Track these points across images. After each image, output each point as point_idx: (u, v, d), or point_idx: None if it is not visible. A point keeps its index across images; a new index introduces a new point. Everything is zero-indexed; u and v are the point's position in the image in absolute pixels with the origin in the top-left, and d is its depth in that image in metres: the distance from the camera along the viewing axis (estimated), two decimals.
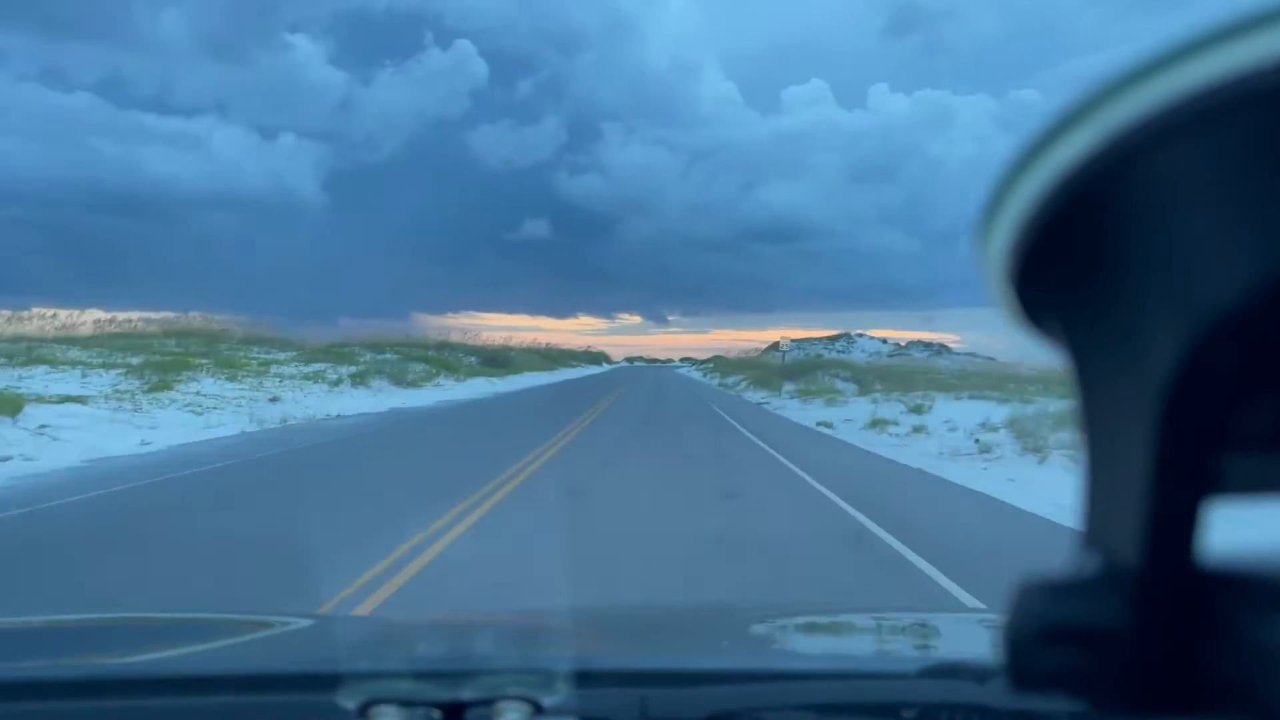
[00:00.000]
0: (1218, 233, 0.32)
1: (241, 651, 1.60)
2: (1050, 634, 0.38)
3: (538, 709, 1.09)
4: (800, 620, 2.01)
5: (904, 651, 1.71)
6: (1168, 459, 0.35)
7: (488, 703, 1.09)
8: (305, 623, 1.75)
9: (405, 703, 1.09)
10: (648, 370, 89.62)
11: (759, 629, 1.89)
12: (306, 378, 28.35)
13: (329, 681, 1.11)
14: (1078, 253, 0.37)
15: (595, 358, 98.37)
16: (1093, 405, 0.40)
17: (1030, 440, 13.96)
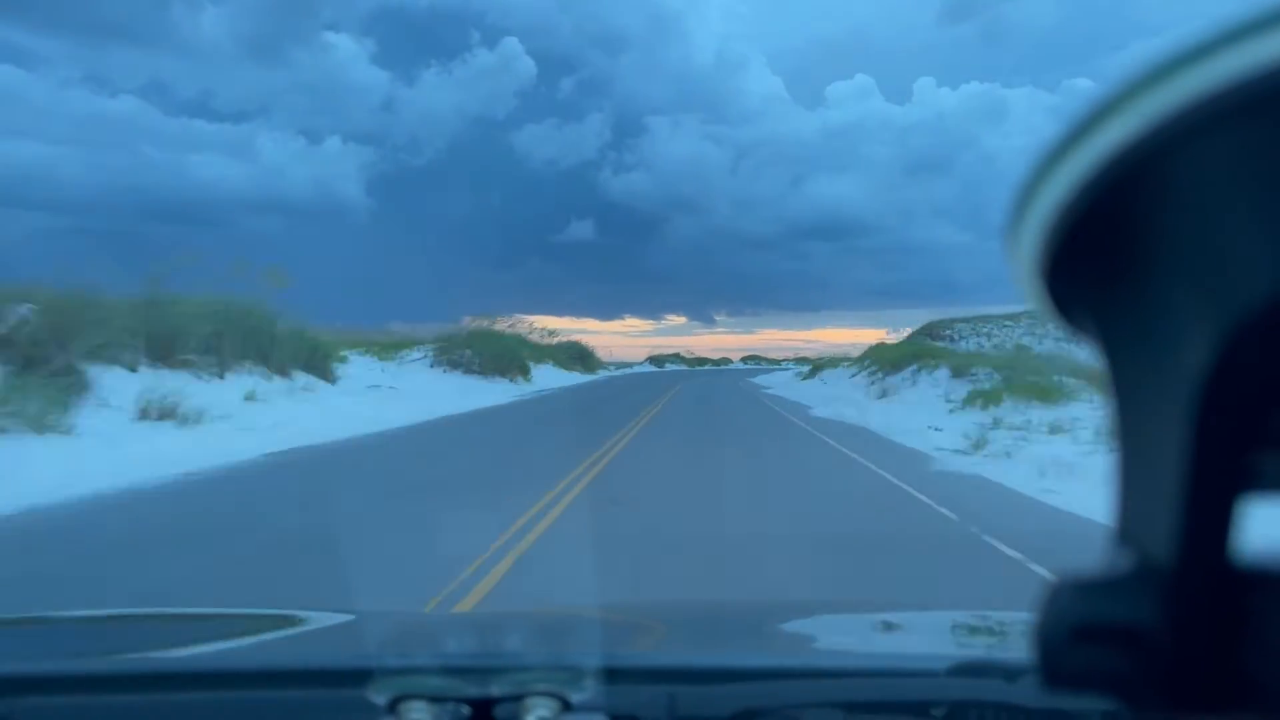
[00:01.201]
0: (1253, 227, 0.31)
1: (273, 647, 1.62)
2: (1082, 632, 0.37)
3: (566, 705, 1.10)
4: (828, 617, 2.00)
5: (933, 649, 1.70)
6: (1202, 456, 0.35)
7: (517, 698, 1.10)
8: (336, 618, 1.77)
9: (435, 698, 1.10)
10: (686, 380, 53.50)
11: (787, 626, 1.89)
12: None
13: (359, 677, 1.12)
14: (1110, 247, 0.37)
15: (579, 354, 59.25)
16: (1126, 401, 0.39)
17: None
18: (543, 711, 1.08)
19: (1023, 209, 0.37)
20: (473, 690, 1.11)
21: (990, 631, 1.77)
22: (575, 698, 1.10)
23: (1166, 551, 0.36)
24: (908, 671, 1.29)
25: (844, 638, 1.87)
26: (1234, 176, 0.31)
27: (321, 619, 1.77)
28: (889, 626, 1.92)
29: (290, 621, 1.81)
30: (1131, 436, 0.39)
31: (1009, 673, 1.10)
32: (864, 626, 1.92)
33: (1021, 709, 1.10)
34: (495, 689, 1.11)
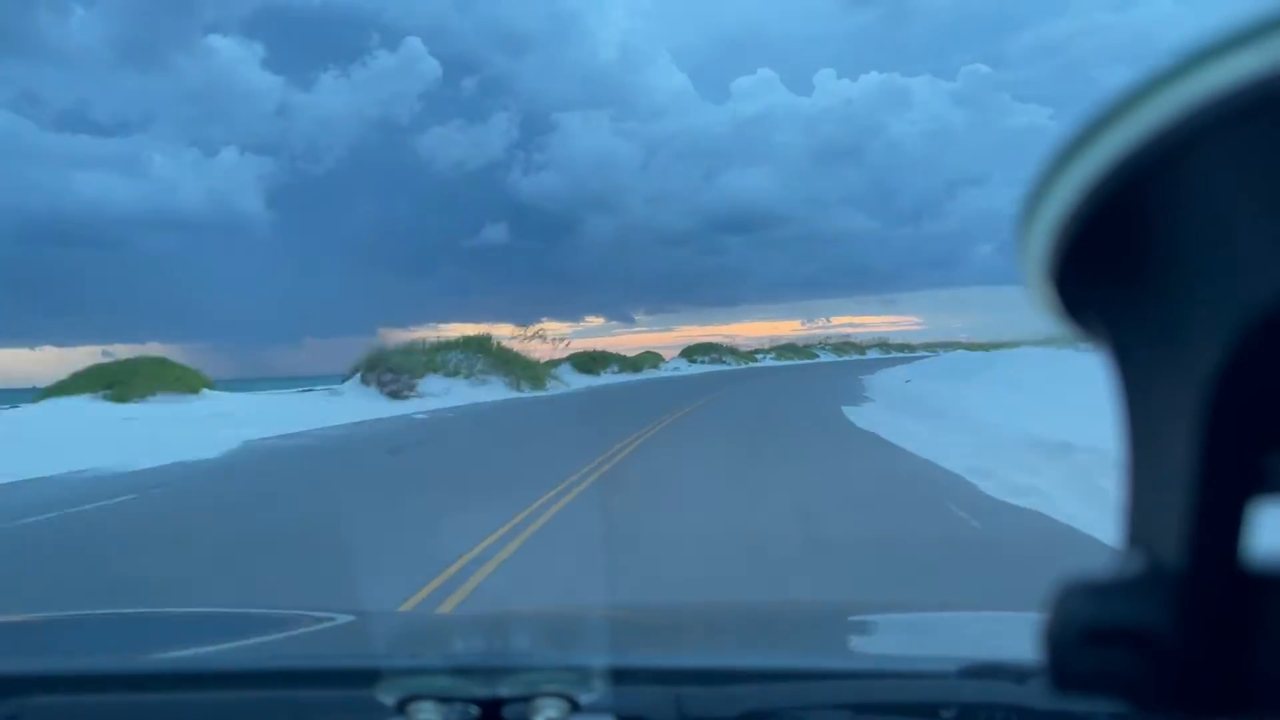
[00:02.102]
0: (1265, 228, 0.31)
1: (282, 646, 1.63)
2: (1092, 634, 0.37)
3: (574, 706, 1.10)
4: (837, 618, 2.00)
5: (942, 651, 1.69)
6: (1213, 457, 0.35)
7: (525, 699, 1.10)
8: (345, 618, 1.77)
9: (443, 698, 1.10)
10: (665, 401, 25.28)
11: (795, 627, 1.88)
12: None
13: (368, 677, 1.12)
14: (1121, 249, 0.37)
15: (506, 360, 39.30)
16: (1136, 402, 0.39)
17: None
18: (551, 712, 1.09)
19: (1032, 211, 0.37)
20: (481, 691, 1.11)
21: (1000, 633, 1.76)
22: (583, 698, 1.10)
23: (1177, 554, 0.36)
24: (917, 673, 1.28)
25: (853, 638, 1.87)
26: (1246, 177, 0.31)
27: (329, 619, 1.78)
28: (898, 627, 1.92)
29: (298, 621, 1.82)
30: (1141, 439, 0.39)
31: (1019, 675, 1.09)
32: (873, 627, 1.92)
33: (1031, 711, 1.09)
34: (504, 689, 1.11)
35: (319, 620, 1.78)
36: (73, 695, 1.26)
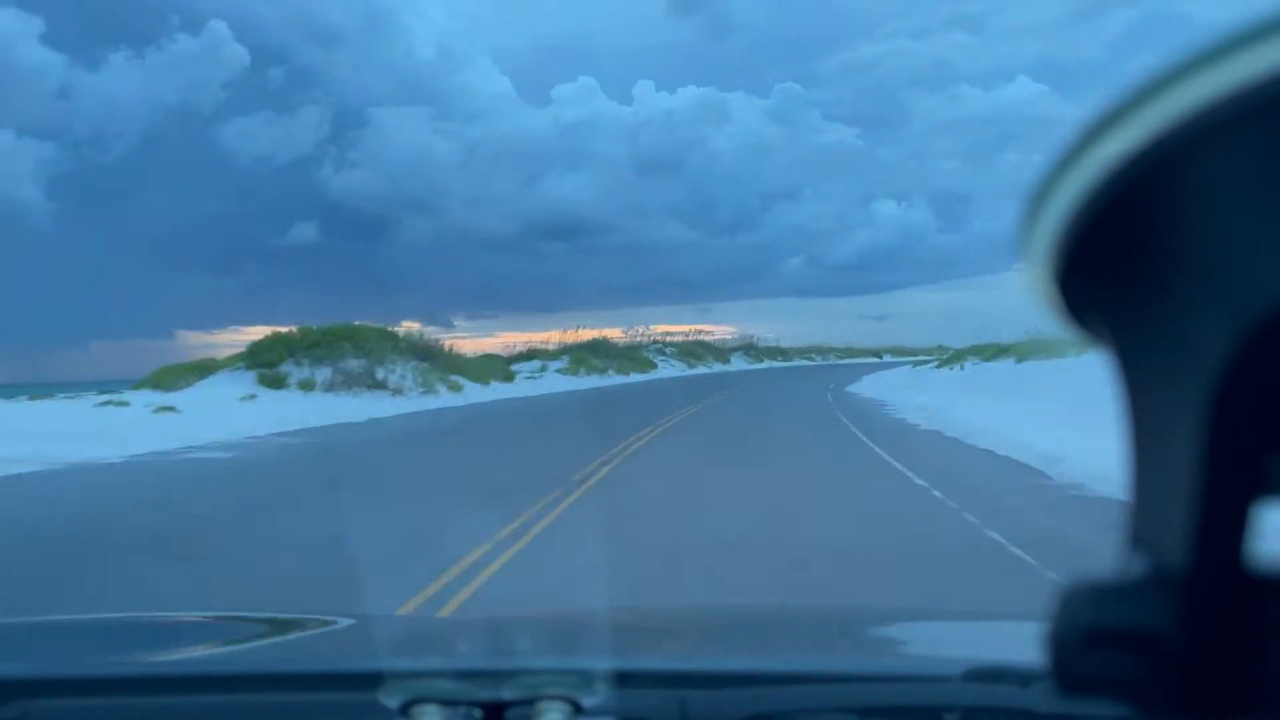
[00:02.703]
0: (1269, 230, 0.31)
1: (284, 650, 1.63)
2: (1096, 637, 0.37)
3: (578, 709, 1.10)
4: (841, 622, 1.99)
5: (947, 654, 1.69)
6: (1217, 459, 0.35)
7: (528, 702, 1.10)
8: (348, 622, 1.78)
9: (446, 701, 1.10)
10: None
11: (799, 630, 1.88)
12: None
13: (371, 680, 1.12)
14: (1124, 251, 0.37)
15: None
16: (1140, 404, 0.39)
17: None
18: (554, 715, 1.09)
19: (1036, 214, 0.37)
20: (485, 694, 1.11)
21: (1003, 636, 1.76)
22: (587, 702, 1.10)
23: (1180, 556, 0.36)
24: (921, 676, 1.28)
25: (857, 641, 1.87)
26: (1250, 179, 0.31)
27: (332, 622, 1.78)
28: (902, 631, 1.91)
29: (301, 624, 1.82)
30: (1145, 441, 0.39)
31: (1023, 678, 1.09)
32: (877, 631, 1.91)
33: (1036, 714, 1.09)
34: (507, 693, 1.11)
35: (322, 623, 1.78)
36: (76, 699, 1.26)
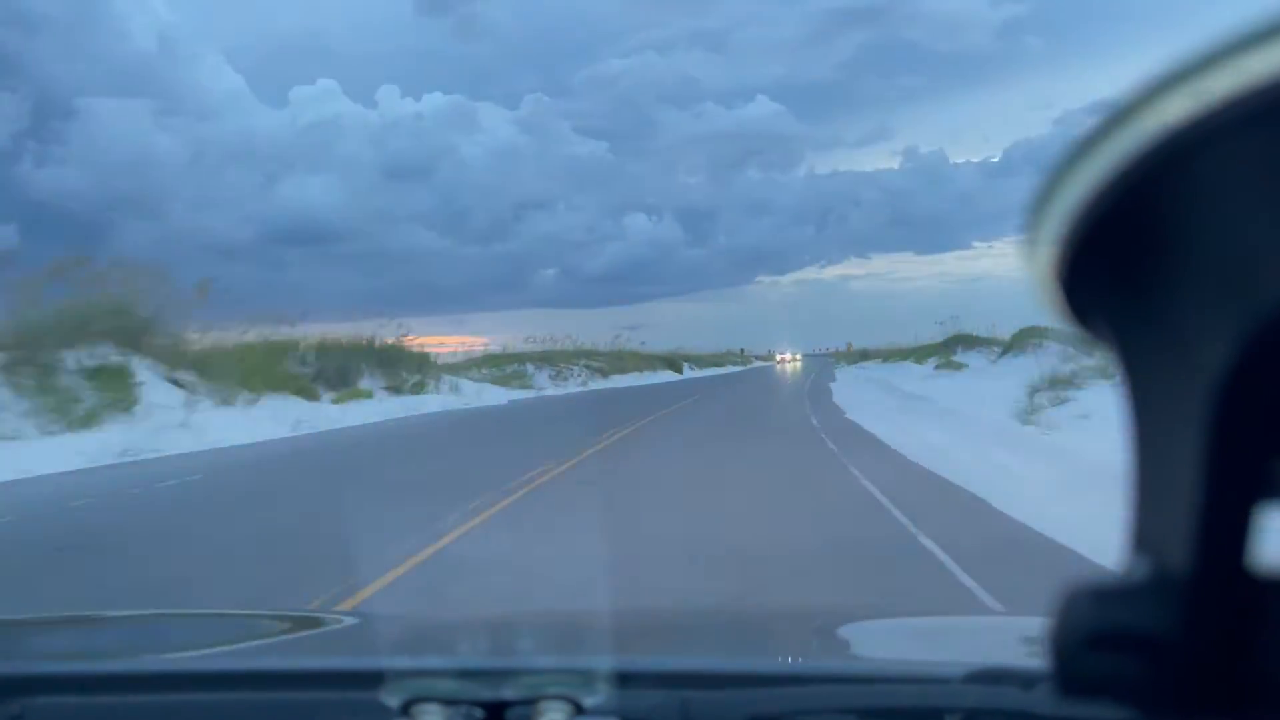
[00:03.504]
0: (1274, 232, 0.31)
1: (284, 648, 1.63)
2: (1098, 640, 0.37)
3: (579, 709, 1.10)
4: (842, 623, 1.99)
5: (948, 655, 1.69)
6: (1220, 462, 0.35)
7: (529, 702, 1.10)
8: (349, 620, 1.78)
9: (447, 701, 1.10)
10: None
11: (800, 631, 1.88)
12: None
13: (372, 679, 1.12)
14: (1129, 253, 0.37)
15: None
16: (1143, 407, 0.39)
17: None
18: (555, 715, 1.09)
19: (1040, 215, 0.37)
20: (486, 693, 1.11)
21: (1006, 638, 1.76)
22: (588, 701, 1.10)
23: (1183, 559, 0.36)
24: (922, 677, 1.28)
25: (858, 643, 1.87)
26: (1256, 180, 0.31)
27: (332, 620, 1.78)
28: (903, 632, 1.91)
29: (301, 623, 1.82)
30: (1148, 443, 0.39)
31: (1025, 680, 1.09)
32: (878, 631, 1.91)
33: (1038, 717, 1.09)
34: (508, 692, 1.11)
35: (323, 622, 1.78)
36: (76, 696, 1.26)
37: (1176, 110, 0.31)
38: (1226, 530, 0.35)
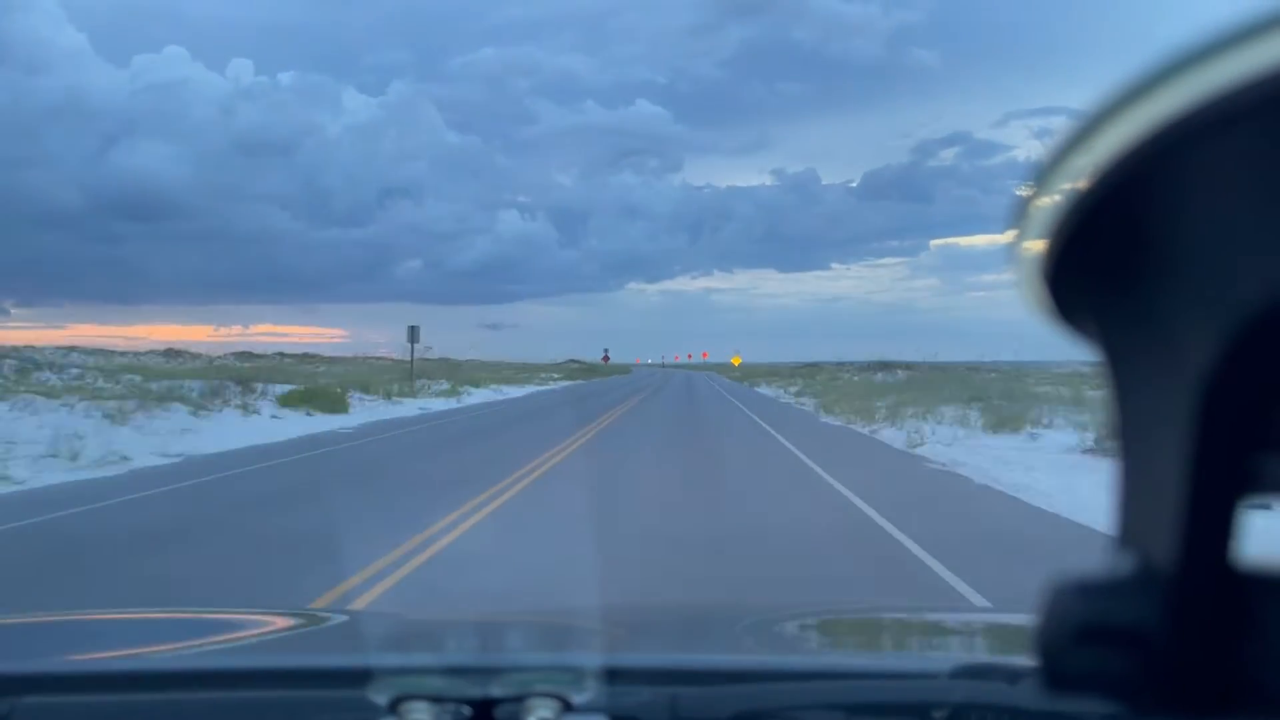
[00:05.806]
0: (1256, 231, 0.31)
1: (273, 647, 1.62)
2: (1084, 634, 0.37)
3: (568, 706, 1.09)
4: (831, 619, 2.00)
5: (935, 651, 1.70)
6: (1204, 458, 0.35)
7: (518, 699, 1.10)
8: (337, 618, 1.77)
9: (436, 698, 1.10)
10: None
11: (789, 628, 1.89)
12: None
13: (360, 677, 1.12)
14: (1114, 251, 0.37)
15: None
16: (1128, 404, 0.39)
17: None
18: (544, 712, 1.08)
19: (1026, 214, 0.37)
20: (474, 691, 1.11)
21: (993, 633, 1.77)
22: (576, 698, 1.10)
23: (1168, 554, 0.36)
24: (910, 673, 1.28)
25: (846, 639, 1.87)
26: (1238, 179, 0.31)
27: (321, 618, 1.77)
28: (891, 628, 1.92)
29: (290, 621, 1.81)
30: (1133, 440, 0.39)
31: (1011, 675, 1.09)
32: (866, 628, 1.92)
33: (1024, 712, 1.09)
34: (496, 690, 1.11)
35: (311, 620, 1.78)
36: (64, 696, 1.25)
37: (1161, 109, 0.31)
38: (1211, 525, 0.35)
